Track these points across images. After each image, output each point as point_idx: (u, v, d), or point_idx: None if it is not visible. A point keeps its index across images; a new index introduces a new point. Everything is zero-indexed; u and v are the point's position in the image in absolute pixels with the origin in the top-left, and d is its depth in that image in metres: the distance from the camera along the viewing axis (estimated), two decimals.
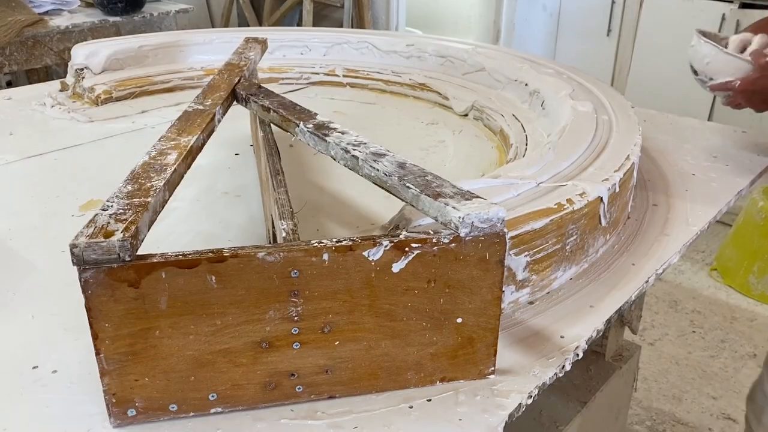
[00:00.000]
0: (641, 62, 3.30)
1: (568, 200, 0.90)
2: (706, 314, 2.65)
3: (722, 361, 2.39)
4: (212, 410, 0.69)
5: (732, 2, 2.96)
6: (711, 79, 1.29)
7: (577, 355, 0.80)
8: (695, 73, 1.33)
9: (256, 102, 1.04)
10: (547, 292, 0.91)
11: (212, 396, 0.69)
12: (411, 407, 0.72)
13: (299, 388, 0.71)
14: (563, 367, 0.78)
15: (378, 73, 1.76)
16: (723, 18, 2.96)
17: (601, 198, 0.95)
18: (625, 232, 1.08)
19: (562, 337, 0.83)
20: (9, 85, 3.42)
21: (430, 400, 0.72)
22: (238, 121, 1.38)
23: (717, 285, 2.82)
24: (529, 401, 0.74)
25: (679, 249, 1.03)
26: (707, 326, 2.58)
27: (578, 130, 1.14)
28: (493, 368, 0.75)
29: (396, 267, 0.68)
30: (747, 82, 1.24)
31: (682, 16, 3.12)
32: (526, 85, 1.47)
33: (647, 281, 0.95)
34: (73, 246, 0.60)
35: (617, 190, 0.99)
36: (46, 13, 2.69)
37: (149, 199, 0.68)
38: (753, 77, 1.24)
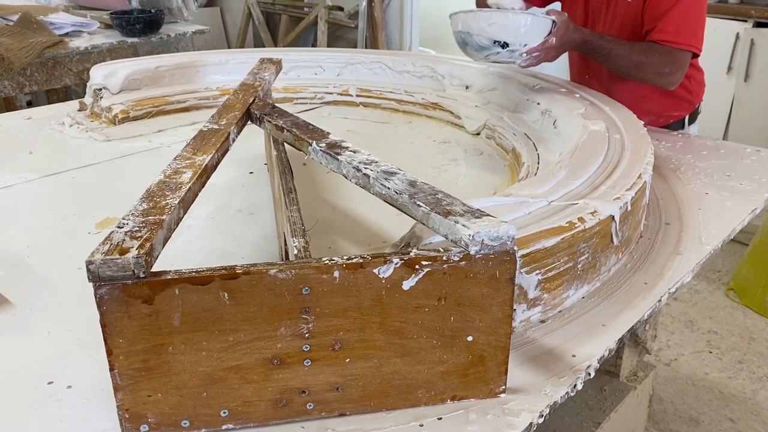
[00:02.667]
0: None
1: (580, 219, 0.90)
2: (723, 334, 2.62)
3: (740, 382, 2.36)
4: (224, 426, 0.70)
5: (746, 21, 2.96)
6: (525, 45, 1.32)
7: (589, 374, 0.80)
8: (504, 45, 1.32)
9: (270, 121, 1.06)
10: (559, 311, 0.91)
11: (224, 412, 0.69)
12: (421, 425, 0.71)
13: (310, 406, 0.71)
14: (575, 386, 0.78)
15: (391, 92, 1.78)
16: (737, 37, 2.96)
17: (613, 217, 0.94)
18: (638, 250, 1.07)
19: (573, 356, 0.82)
20: (29, 104, 3.49)
21: (440, 419, 0.72)
22: (252, 140, 1.40)
23: (734, 305, 2.78)
24: (540, 420, 0.73)
25: (693, 268, 1.03)
26: (724, 347, 2.54)
27: (590, 149, 1.14)
28: (503, 387, 0.75)
29: (406, 284, 0.68)
30: (561, 37, 1.34)
31: None
32: (539, 104, 1.48)
33: (660, 300, 0.95)
34: (89, 263, 0.61)
35: (629, 208, 0.99)
36: (67, 34, 2.75)
37: (164, 217, 0.69)
38: (562, 32, 1.34)
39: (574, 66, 1.79)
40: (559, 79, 1.60)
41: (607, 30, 1.58)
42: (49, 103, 3.01)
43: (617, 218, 0.95)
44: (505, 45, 1.32)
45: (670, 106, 1.68)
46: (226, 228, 1.17)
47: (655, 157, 1.20)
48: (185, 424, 0.69)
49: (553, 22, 1.34)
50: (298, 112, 1.39)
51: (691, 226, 1.16)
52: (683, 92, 1.65)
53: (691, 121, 1.76)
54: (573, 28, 1.38)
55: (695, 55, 1.50)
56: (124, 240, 0.64)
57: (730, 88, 3.08)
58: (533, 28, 1.32)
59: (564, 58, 1.57)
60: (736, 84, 3.05)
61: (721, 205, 1.23)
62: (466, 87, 1.71)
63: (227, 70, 1.83)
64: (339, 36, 4.30)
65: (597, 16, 1.62)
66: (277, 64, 1.41)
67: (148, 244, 0.63)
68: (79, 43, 2.74)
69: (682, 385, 2.38)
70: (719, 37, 3.06)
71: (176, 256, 1.05)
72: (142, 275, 0.62)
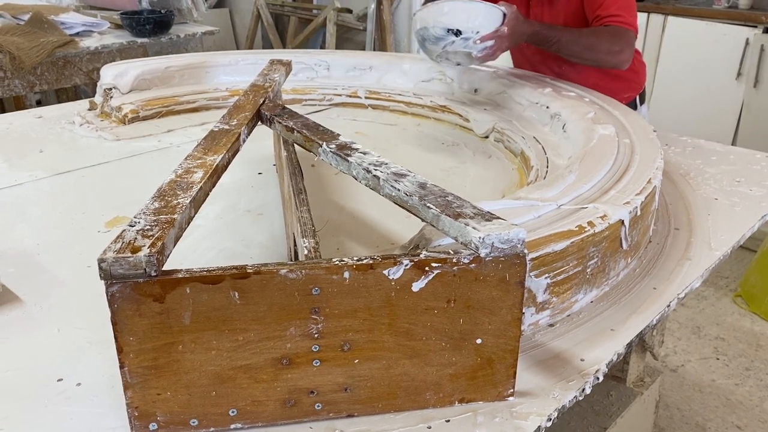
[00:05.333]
0: (663, 85, 3.29)
1: (589, 223, 0.90)
2: (730, 341, 2.61)
3: (747, 389, 2.34)
4: (232, 426, 0.70)
5: (756, 27, 2.95)
6: (477, 32, 1.36)
7: (597, 378, 0.80)
8: (457, 33, 1.36)
9: (280, 122, 1.06)
10: (568, 315, 0.91)
11: (232, 412, 0.69)
12: (429, 428, 0.71)
13: (318, 406, 0.71)
14: (583, 390, 0.78)
15: (399, 95, 1.78)
16: (747, 42, 2.94)
17: (623, 221, 0.94)
18: (647, 255, 1.07)
19: (582, 360, 0.82)
20: (38, 103, 3.51)
21: (448, 421, 0.72)
22: (261, 140, 1.41)
23: (741, 312, 2.77)
24: (549, 424, 0.73)
25: (702, 273, 1.03)
26: (731, 353, 2.53)
27: (599, 153, 1.14)
28: (512, 390, 0.75)
29: (416, 286, 0.68)
30: (512, 27, 1.39)
31: (705, 40, 3.11)
32: (548, 107, 1.48)
33: (669, 305, 0.95)
34: (101, 260, 0.61)
35: (639, 213, 0.99)
36: (77, 34, 2.76)
37: (175, 216, 0.70)
38: (513, 22, 1.39)
39: (519, 66, 1.84)
40: (569, 83, 1.60)
41: None
42: (59, 102, 3.03)
43: (627, 223, 0.95)
44: (458, 33, 1.37)
45: (620, 88, 1.74)
46: (234, 228, 1.17)
47: (665, 162, 1.19)
48: (194, 422, 0.69)
49: (503, 12, 1.40)
50: (307, 114, 1.39)
51: (701, 231, 1.15)
52: (630, 74, 1.73)
53: (642, 101, 1.85)
54: (523, 19, 1.43)
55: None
56: (135, 238, 0.65)
57: (739, 94, 3.07)
58: (483, 15, 1.38)
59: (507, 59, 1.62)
60: (745, 90, 3.04)
61: (730, 211, 1.23)
62: (475, 90, 1.71)
63: (237, 71, 1.84)
64: (347, 38, 4.30)
65: (539, 18, 1.68)
66: (287, 66, 1.41)
67: (159, 243, 0.64)
68: (89, 42, 2.75)
69: (689, 391, 2.37)
70: (729, 42, 3.05)
71: (185, 256, 1.06)
72: (153, 274, 0.62)
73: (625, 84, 1.74)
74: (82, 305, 0.93)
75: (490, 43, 1.38)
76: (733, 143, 3.11)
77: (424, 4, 1.50)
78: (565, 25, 1.61)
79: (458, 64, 1.47)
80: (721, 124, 3.15)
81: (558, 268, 0.86)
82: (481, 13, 1.37)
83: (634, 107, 1.79)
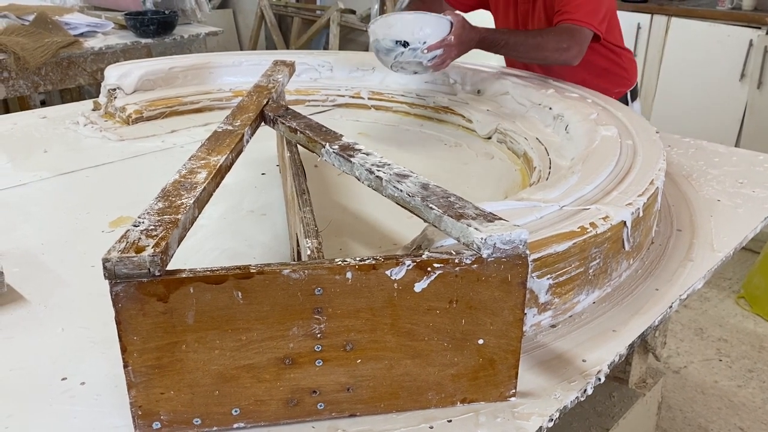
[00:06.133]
0: (667, 86, 3.29)
1: (592, 224, 0.90)
2: (733, 343, 2.60)
3: (750, 391, 2.34)
4: (235, 425, 0.70)
5: (760, 28, 2.94)
6: (424, 42, 1.41)
7: (599, 379, 0.80)
8: (405, 44, 1.41)
9: (283, 123, 1.07)
10: (570, 316, 0.91)
11: (235, 411, 0.70)
12: (431, 428, 0.72)
13: (321, 406, 0.71)
14: (585, 391, 0.78)
15: (402, 96, 1.78)
16: (750, 44, 2.94)
17: (625, 222, 0.94)
18: (649, 256, 1.07)
19: (584, 360, 0.82)
20: (43, 104, 3.52)
21: (450, 421, 0.72)
22: (263, 141, 1.41)
23: (744, 313, 2.76)
24: (550, 425, 0.73)
25: (704, 275, 1.03)
26: (734, 355, 2.53)
27: (602, 154, 1.14)
28: (513, 390, 0.75)
29: (418, 287, 0.68)
30: (459, 36, 1.43)
31: (709, 41, 3.10)
32: (550, 108, 1.48)
33: (671, 306, 0.95)
34: (105, 260, 0.62)
35: (641, 214, 0.99)
36: (81, 35, 2.77)
37: (179, 216, 0.70)
38: (459, 31, 1.43)
39: (510, 64, 1.87)
40: (571, 85, 1.60)
41: (536, 28, 1.69)
42: (63, 102, 3.03)
43: (629, 224, 0.95)
44: (405, 44, 1.42)
45: (609, 83, 1.78)
46: (237, 228, 1.18)
47: (667, 163, 1.20)
48: (197, 422, 0.69)
49: (450, 22, 1.44)
50: (310, 114, 1.39)
51: (703, 232, 1.15)
52: (617, 68, 1.78)
53: (633, 97, 1.88)
54: (470, 27, 1.47)
55: (596, 37, 1.58)
56: (140, 238, 0.65)
57: (743, 96, 3.06)
58: (428, 25, 1.43)
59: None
60: (749, 91, 3.03)
61: (733, 213, 1.23)
62: (478, 91, 1.71)
63: (240, 71, 1.84)
64: (351, 39, 4.31)
65: (526, 17, 1.73)
66: (291, 67, 1.42)
67: (163, 243, 0.64)
68: (93, 43, 2.76)
69: (691, 392, 2.37)
70: (732, 44, 3.05)
71: (188, 256, 1.06)
72: (157, 273, 0.63)
73: (613, 80, 1.78)
74: (86, 305, 0.94)
75: (439, 52, 1.43)
76: (737, 145, 3.11)
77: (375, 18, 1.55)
78: (546, 24, 1.66)
79: (415, 73, 1.52)
80: (725, 125, 3.14)
81: (560, 269, 0.86)
82: (427, 24, 1.43)
83: (626, 104, 1.81)
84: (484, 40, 1.52)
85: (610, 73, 1.76)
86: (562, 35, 1.53)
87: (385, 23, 1.45)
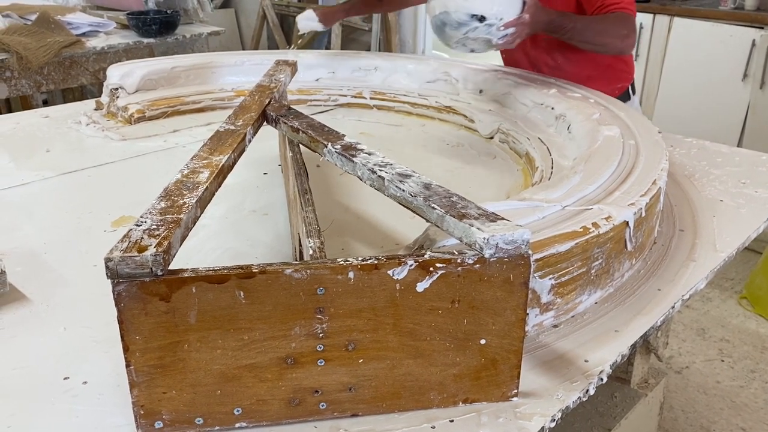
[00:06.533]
0: (669, 86, 3.28)
1: (594, 224, 0.90)
2: (735, 343, 2.60)
3: (752, 391, 2.34)
4: (237, 425, 0.70)
5: (762, 28, 2.94)
6: (501, 18, 1.35)
7: (602, 379, 0.80)
8: (481, 19, 1.35)
9: (285, 123, 1.07)
10: (572, 316, 0.91)
11: (237, 410, 0.70)
12: (433, 428, 0.72)
13: (323, 405, 0.71)
14: (587, 391, 0.78)
15: (404, 95, 1.78)
16: (753, 44, 2.93)
17: (627, 222, 0.94)
18: (651, 257, 1.07)
19: (586, 361, 0.82)
20: (45, 103, 3.52)
21: (452, 421, 0.72)
22: (265, 141, 1.41)
23: (747, 314, 2.76)
24: (552, 425, 0.73)
25: (706, 275, 1.02)
26: (736, 355, 2.53)
27: (604, 155, 1.14)
28: (516, 390, 0.75)
29: (420, 286, 0.68)
30: (533, 15, 1.39)
31: (711, 41, 3.10)
32: (552, 108, 1.48)
33: (673, 307, 0.94)
34: (107, 260, 0.62)
35: (643, 214, 0.99)
36: (84, 34, 2.77)
37: (182, 216, 0.70)
38: (533, 9, 1.39)
39: (511, 61, 1.83)
40: (574, 84, 1.59)
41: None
42: (65, 102, 3.04)
43: (631, 224, 0.95)
44: (482, 18, 1.35)
45: (614, 78, 1.77)
46: (239, 228, 1.18)
47: (670, 163, 1.19)
48: (199, 421, 0.69)
49: (523, 0, 1.40)
50: (312, 114, 1.39)
51: (706, 233, 1.15)
52: (621, 64, 1.77)
53: (633, 91, 1.88)
54: (541, 7, 1.43)
55: None
56: (142, 238, 0.65)
57: (745, 96, 3.06)
58: (505, 1, 1.37)
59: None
60: (751, 91, 3.03)
61: (735, 213, 1.23)
62: (480, 91, 1.71)
63: (242, 71, 1.84)
64: (353, 39, 4.31)
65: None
66: (293, 66, 1.42)
67: (166, 243, 0.64)
68: (95, 43, 2.76)
69: (694, 393, 2.37)
70: (735, 43, 3.04)
71: (190, 256, 1.06)
72: (159, 273, 0.63)
73: (617, 74, 1.78)
74: (89, 304, 0.94)
75: (512, 30, 1.37)
76: (739, 145, 3.10)
77: None
78: (576, 10, 1.61)
79: (472, 51, 1.44)
80: (727, 125, 3.14)
81: (562, 269, 0.86)
82: (507, 1, 1.36)
83: (628, 97, 1.82)
84: (552, 23, 1.47)
85: (614, 68, 1.75)
86: (622, 23, 1.50)
87: None
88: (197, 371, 0.67)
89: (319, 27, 1.84)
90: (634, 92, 1.88)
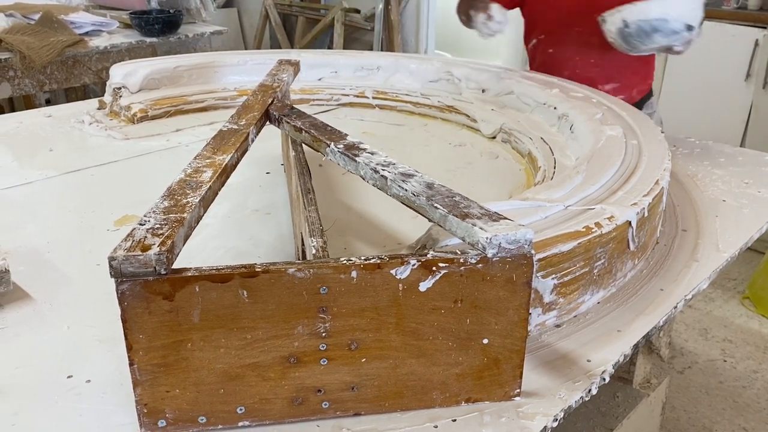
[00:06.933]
0: (672, 86, 3.28)
1: (597, 224, 0.90)
2: (737, 343, 2.60)
3: (755, 392, 2.33)
4: (240, 423, 0.70)
5: (765, 28, 2.93)
6: (698, 26, 1.35)
7: (604, 379, 0.80)
8: (689, 28, 1.34)
9: (288, 122, 1.07)
10: (575, 316, 0.91)
11: (240, 409, 0.70)
12: (436, 427, 0.72)
13: (326, 404, 0.71)
14: (589, 391, 0.78)
15: (407, 95, 1.78)
16: (756, 43, 2.93)
17: (630, 222, 0.94)
18: (654, 256, 1.07)
19: (588, 361, 0.82)
20: (48, 102, 3.53)
21: (455, 421, 0.73)
22: (268, 140, 1.41)
23: (749, 314, 2.76)
24: (555, 424, 0.73)
25: (709, 275, 1.02)
26: (739, 356, 2.52)
27: (607, 154, 1.14)
28: (518, 390, 0.75)
29: (423, 286, 0.68)
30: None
31: (714, 41, 3.09)
32: (555, 108, 1.48)
33: (676, 307, 0.94)
34: (111, 259, 0.62)
35: (646, 214, 0.99)
36: (86, 34, 2.78)
37: (185, 215, 0.70)
38: None
39: (542, 57, 1.82)
40: (577, 84, 1.59)
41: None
42: (68, 101, 3.04)
43: (634, 224, 0.95)
44: (690, 28, 1.36)
45: (647, 75, 1.81)
46: (242, 227, 1.18)
47: (672, 163, 1.19)
48: (202, 420, 0.69)
49: None
50: (315, 114, 1.39)
51: (708, 233, 1.15)
52: (645, 63, 1.78)
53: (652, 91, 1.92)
54: None
55: None
56: (145, 237, 0.65)
57: (748, 95, 3.05)
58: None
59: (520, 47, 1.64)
60: (754, 91, 3.02)
61: (738, 213, 1.23)
62: (483, 90, 1.71)
63: (245, 71, 1.84)
64: (355, 38, 4.31)
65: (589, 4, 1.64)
66: (295, 66, 1.42)
67: (169, 242, 0.64)
68: (98, 42, 2.77)
69: (696, 393, 2.37)
70: (738, 43, 3.04)
71: (193, 255, 1.06)
72: (163, 272, 0.63)
73: (647, 72, 1.81)
74: (92, 303, 0.94)
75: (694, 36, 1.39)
76: (742, 145, 3.10)
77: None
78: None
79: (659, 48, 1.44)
80: (730, 125, 3.13)
81: (565, 268, 0.86)
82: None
83: (651, 95, 1.85)
84: None
85: (649, 63, 1.77)
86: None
87: (681, 3, 1.35)
88: (200, 370, 0.67)
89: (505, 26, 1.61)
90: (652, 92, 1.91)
